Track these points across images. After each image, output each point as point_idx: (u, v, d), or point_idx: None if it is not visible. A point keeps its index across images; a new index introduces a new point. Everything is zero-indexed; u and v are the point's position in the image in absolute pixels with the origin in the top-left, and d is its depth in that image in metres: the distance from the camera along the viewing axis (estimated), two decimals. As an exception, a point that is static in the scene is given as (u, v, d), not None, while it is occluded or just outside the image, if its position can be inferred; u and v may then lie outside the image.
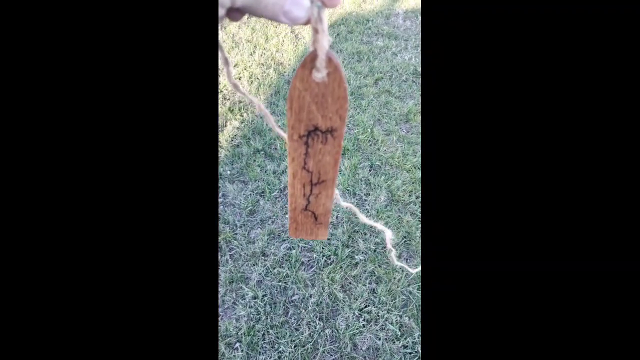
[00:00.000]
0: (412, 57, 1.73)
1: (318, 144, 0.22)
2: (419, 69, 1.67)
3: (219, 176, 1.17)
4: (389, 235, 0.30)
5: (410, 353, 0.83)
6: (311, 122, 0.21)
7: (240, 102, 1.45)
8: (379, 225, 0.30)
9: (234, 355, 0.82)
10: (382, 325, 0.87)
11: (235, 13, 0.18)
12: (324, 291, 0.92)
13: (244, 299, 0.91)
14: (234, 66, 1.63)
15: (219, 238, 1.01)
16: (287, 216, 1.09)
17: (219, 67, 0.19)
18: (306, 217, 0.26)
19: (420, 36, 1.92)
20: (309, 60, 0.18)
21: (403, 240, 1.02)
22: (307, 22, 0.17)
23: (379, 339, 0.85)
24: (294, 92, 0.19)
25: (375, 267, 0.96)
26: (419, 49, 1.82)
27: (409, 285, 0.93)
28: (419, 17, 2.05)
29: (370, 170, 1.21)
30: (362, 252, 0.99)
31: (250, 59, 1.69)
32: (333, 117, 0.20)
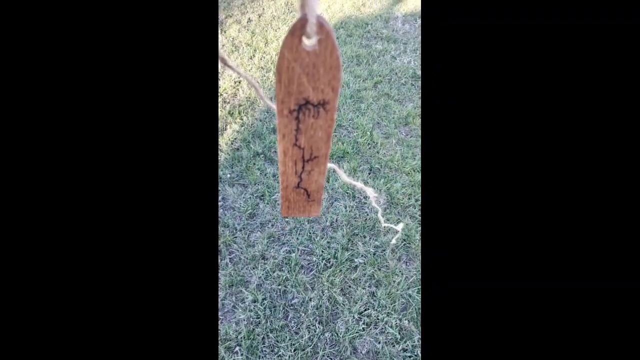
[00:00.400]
0: (411, 61, 1.74)
1: (309, 118, 0.20)
2: (418, 72, 1.68)
3: (219, 179, 1.18)
4: (371, 192, 0.30)
5: (410, 357, 0.83)
6: (302, 95, 0.19)
7: (240, 105, 1.46)
8: (359, 184, 0.30)
9: (234, 359, 0.82)
10: (382, 328, 0.87)
11: None
12: (323, 294, 0.92)
13: (244, 302, 0.91)
14: (234, 70, 1.63)
15: (219, 241, 1.01)
16: (287, 220, 1.09)
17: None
18: (298, 194, 0.25)
19: (419, 39, 1.92)
20: (298, 27, 0.16)
21: (403, 243, 1.02)
22: None
23: (379, 343, 0.85)
24: (282, 62, 0.18)
25: (375, 270, 0.96)
26: (418, 52, 1.83)
27: (408, 288, 0.93)
28: (418, 21, 2.06)
29: (369, 173, 1.21)
30: (362, 255, 0.99)
31: (250, 63, 1.70)
32: (325, 89, 0.19)
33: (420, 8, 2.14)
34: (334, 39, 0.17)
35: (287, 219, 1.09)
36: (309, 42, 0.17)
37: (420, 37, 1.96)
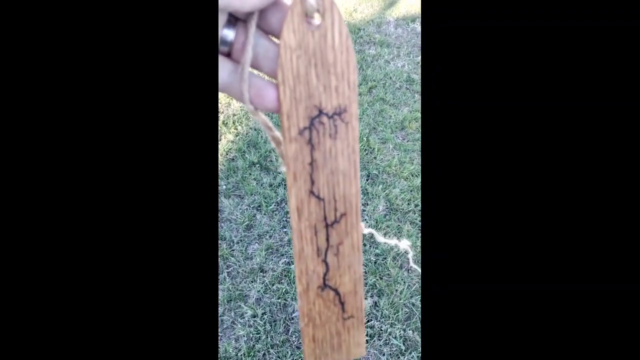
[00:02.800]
0: (404, 65, 1.74)
1: (326, 139, 0.15)
2: (412, 76, 1.68)
3: (215, 191, 1.16)
4: (407, 246, 0.23)
5: (416, 368, 0.81)
6: (312, 101, 0.14)
7: (234, 115, 1.44)
8: (394, 241, 0.22)
9: (234, 378, 0.80)
10: (386, 340, 0.85)
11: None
12: (325, 306, 0.90)
13: (243, 317, 0.89)
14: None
15: (216, 255, 0.99)
16: (284, 230, 1.07)
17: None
18: (327, 305, 0.16)
19: (412, 43, 1.93)
20: (298, 2, 0.13)
21: (403, 250, 1.01)
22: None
23: (383, 355, 0.82)
24: (284, 54, 0.14)
25: (377, 279, 0.94)
26: (412, 56, 1.83)
27: (411, 296, 0.91)
28: (410, 25, 2.07)
29: (367, 180, 1.20)
30: (363, 264, 0.98)
31: (243, 72, 1.69)
32: (340, 86, 0.14)
33: (412, 12, 2.15)
34: (340, 11, 0.14)
35: (285, 229, 1.07)
36: (313, 19, 0.14)
37: (412, 40, 1.96)
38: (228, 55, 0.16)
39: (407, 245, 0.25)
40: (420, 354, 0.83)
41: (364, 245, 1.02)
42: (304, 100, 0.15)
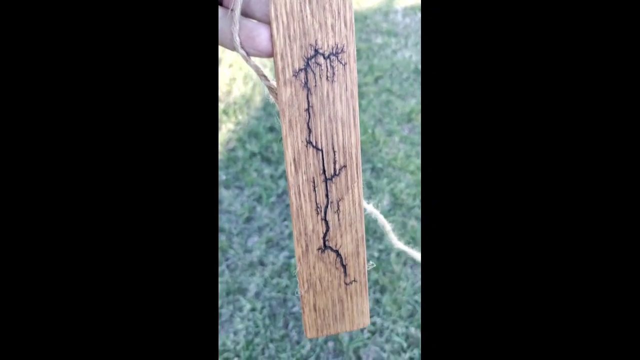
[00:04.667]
0: (412, 55, 1.69)
1: (324, 82, 0.13)
2: (420, 67, 1.63)
3: (215, 181, 1.13)
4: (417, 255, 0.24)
5: (417, 367, 0.79)
6: (308, 40, 0.13)
7: (235, 103, 1.41)
8: (406, 248, 0.23)
9: (232, 373, 0.78)
10: (388, 336, 0.83)
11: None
12: (325, 302, 0.88)
13: (242, 311, 0.87)
14: (229, 67, 1.59)
15: (215, 247, 0.97)
16: (285, 223, 1.05)
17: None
18: (327, 267, 0.15)
19: (420, 33, 1.87)
20: None
21: (408, 246, 0.98)
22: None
23: (385, 352, 0.81)
24: None
25: (380, 275, 0.92)
26: (419, 46, 1.78)
27: (414, 293, 0.89)
28: (418, 14, 2.01)
29: (372, 173, 1.17)
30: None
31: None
32: (336, 24, 0.13)
33: (420, 1, 2.08)
34: None
35: (286, 222, 1.05)
36: None
37: (421, 30, 1.91)
38: (220, 3, 0.15)
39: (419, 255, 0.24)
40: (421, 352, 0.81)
41: (368, 241, 1.00)
42: (298, 38, 0.13)
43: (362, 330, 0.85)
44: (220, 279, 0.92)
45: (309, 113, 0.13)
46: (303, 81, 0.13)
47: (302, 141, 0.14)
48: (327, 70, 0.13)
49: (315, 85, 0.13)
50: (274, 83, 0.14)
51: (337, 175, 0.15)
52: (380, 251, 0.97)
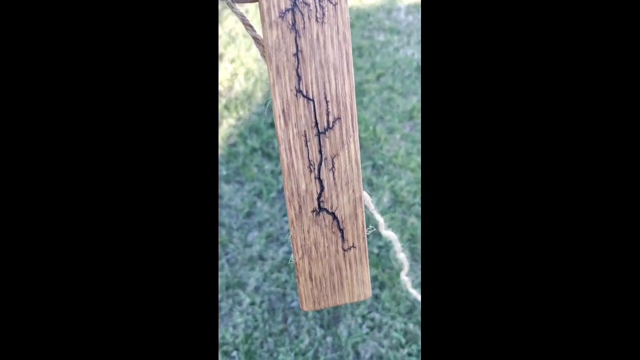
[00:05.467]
0: (414, 53, 1.68)
1: (312, 23, 0.12)
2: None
3: (215, 176, 1.14)
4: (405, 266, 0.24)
5: (415, 362, 0.80)
6: None
7: (236, 98, 1.41)
8: (403, 259, 0.22)
9: (231, 366, 0.79)
10: (386, 332, 0.83)
11: None
12: (324, 297, 0.88)
13: (241, 305, 0.87)
14: (231, 62, 1.58)
15: (215, 241, 0.97)
16: (285, 218, 1.05)
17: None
18: (323, 231, 0.14)
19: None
20: None
21: (407, 243, 0.98)
22: None
23: (383, 347, 0.81)
24: None
25: (379, 271, 0.92)
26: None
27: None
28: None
29: (372, 170, 1.17)
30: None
31: (246, 55, 1.64)
32: None
33: (423, -2, 2.08)
34: None
35: (286, 217, 1.05)
36: None
37: (421, 29, 1.89)
38: None
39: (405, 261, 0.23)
40: (419, 347, 0.82)
41: (368, 237, 1.00)
42: None
43: (360, 325, 0.85)
44: (220, 273, 0.93)
45: (297, 58, 0.12)
46: (290, 22, 0.12)
47: (291, 90, 0.13)
48: (316, 11, 0.12)
49: (304, 27, 0.12)
50: (261, 35, 0.13)
51: (331, 128, 0.13)
52: (379, 247, 0.98)
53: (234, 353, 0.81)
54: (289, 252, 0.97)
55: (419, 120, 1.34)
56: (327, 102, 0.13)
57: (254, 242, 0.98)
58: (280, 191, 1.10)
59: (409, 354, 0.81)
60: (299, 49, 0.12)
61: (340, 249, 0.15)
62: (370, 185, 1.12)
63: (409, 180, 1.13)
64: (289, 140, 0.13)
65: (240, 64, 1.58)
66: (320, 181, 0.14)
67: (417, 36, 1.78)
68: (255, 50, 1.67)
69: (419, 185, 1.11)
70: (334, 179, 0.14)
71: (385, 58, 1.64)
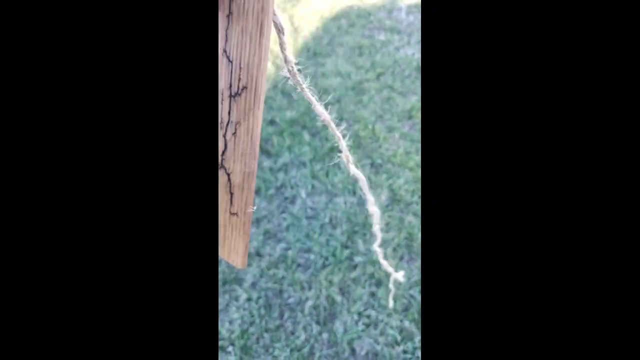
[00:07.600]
0: (414, 53, 1.69)
1: None
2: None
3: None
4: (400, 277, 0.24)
5: (410, 358, 0.80)
6: None
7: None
8: (392, 270, 0.23)
9: (227, 359, 0.79)
10: (382, 329, 0.84)
11: None
12: (321, 294, 0.89)
13: (238, 301, 0.87)
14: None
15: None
16: (283, 215, 1.05)
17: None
18: (222, 184, 0.14)
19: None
20: None
21: (405, 242, 0.99)
22: None
23: (378, 344, 0.82)
24: None
25: (376, 269, 0.93)
26: (422, 43, 1.78)
27: (410, 288, 0.90)
28: (422, 12, 2.00)
29: (371, 169, 1.17)
30: (362, 254, 0.96)
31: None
32: None
33: (424, -2, 2.08)
34: None
35: (284, 214, 1.05)
36: None
37: (421, 29, 1.90)
38: None
39: (401, 275, 0.24)
40: (415, 345, 0.82)
41: (365, 235, 1.00)
42: None
43: (356, 322, 0.85)
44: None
45: (229, 20, 0.13)
46: None
47: (220, 49, 0.13)
48: None
49: None
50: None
51: (239, 94, 0.14)
52: (378, 246, 0.98)
53: (230, 348, 0.81)
54: (286, 249, 0.97)
55: (418, 120, 1.35)
56: (240, 68, 0.13)
57: (252, 238, 0.99)
58: (279, 188, 1.11)
59: (405, 352, 0.81)
60: (231, 10, 0.13)
61: (228, 210, 0.15)
62: (368, 184, 1.13)
63: (407, 179, 1.14)
64: (220, 91, 0.14)
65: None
66: (225, 141, 0.14)
67: (417, 36, 1.79)
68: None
69: (417, 184, 1.12)
70: (234, 144, 0.14)
71: (385, 57, 1.65)
